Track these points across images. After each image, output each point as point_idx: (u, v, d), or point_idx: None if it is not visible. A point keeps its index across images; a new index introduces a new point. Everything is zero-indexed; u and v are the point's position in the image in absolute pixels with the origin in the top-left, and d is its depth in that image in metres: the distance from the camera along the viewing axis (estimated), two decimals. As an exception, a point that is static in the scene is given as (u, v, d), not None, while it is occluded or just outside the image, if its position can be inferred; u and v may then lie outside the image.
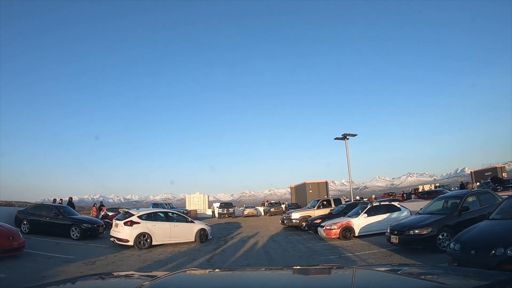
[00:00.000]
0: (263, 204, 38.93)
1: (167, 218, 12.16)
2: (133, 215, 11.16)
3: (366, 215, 13.31)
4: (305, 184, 38.18)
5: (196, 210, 42.05)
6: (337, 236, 12.74)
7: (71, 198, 20.80)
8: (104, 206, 23.46)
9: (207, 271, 3.37)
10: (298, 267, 4.35)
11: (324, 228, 13.11)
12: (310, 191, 37.93)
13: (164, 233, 11.46)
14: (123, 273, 3.56)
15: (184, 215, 13.78)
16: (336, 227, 12.80)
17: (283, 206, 36.15)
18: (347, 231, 12.88)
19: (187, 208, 36.75)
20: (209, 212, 39.30)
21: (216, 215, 34.06)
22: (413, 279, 1.77)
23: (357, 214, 13.65)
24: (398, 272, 2.00)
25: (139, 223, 10.90)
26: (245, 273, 2.43)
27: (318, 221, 15.39)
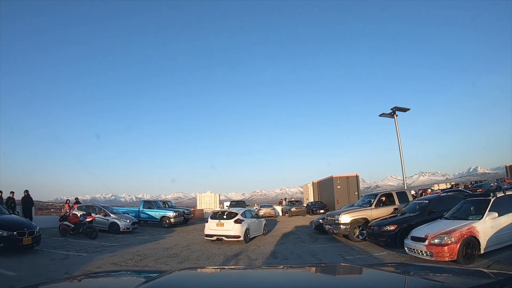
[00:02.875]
0: (280, 203, 32.77)
1: (251, 215, 12.84)
2: (237, 214, 11.66)
3: (496, 214, 7.19)
4: (332, 178, 31.81)
5: (202, 210, 36.27)
6: (454, 256, 6.62)
7: (26, 191, 15.20)
8: (79, 202, 17.84)
9: (208, 269, 3.12)
10: (301, 265, 4.04)
11: (428, 242, 6.93)
12: (338, 187, 31.58)
13: (254, 228, 12.40)
14: (124, 271, 4.21)
15: (256, 213, 15.04)
16: (453, 240, 6.65)
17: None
18: (469, 245, 6.77)
19: (198, 206, 30.62)
20: (217, 211, 33.30)
21: (226, 215, 28.24)
22: (414, 278, 1.73)
23: (473, 214, 7.53)
24: (398, 271, 1.96)
25: (243, 220, 11.58)
26: (248, 271, 2.31)
27: (392, 227, 9.27)
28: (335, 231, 11.73)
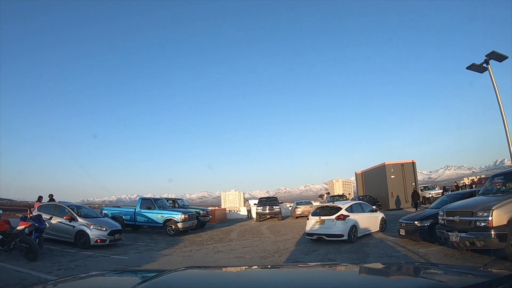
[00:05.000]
0: (321, 197, 26.83)
1: (362, 209, 11.05)
2: (341, 208, 10.07)
3: None
4: (385, 166, 25.58)
5: (225, 209, 30.97)
6: None
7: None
8: (53, 200, 12.93)
9: (208, 268, 2.90)
10: (300, 264, 4.20)
11: None
12: (392, 177, 25.33)
13: (364, 224, 10.49)
14: (123, 270, 4.22)
15: (370, 205, 12.65)
16: None
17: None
18: None
19: (223, 205, 25.08)
20: (242, 211, 27.39)
21: (253, 216, 22.66)
22: (413, 276, 1.74)
23: None
24: (397, 270, 1.93)
25: (348, 216, 9.89)
26: (247, 270, 2.33)
27: None
28: (478, 242, 5.87)
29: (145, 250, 9.27)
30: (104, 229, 9.27)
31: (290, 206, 24.33)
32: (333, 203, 21.79)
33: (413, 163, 26.15)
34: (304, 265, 3.27)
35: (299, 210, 20.33)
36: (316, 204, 24.46)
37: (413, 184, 25.27)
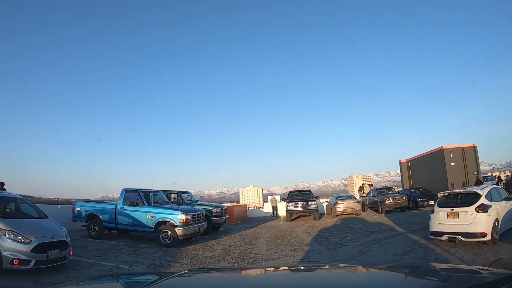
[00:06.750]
0: (361, 190, 22.02)
1: (500, 195, 7.98)
2: (480, 195, 7.22)
3: None
4: (443, 150, 20.75)
5: (245, 205, 26.79)
6: None
7: None
8: (4, 189, 9.19)
9: (215, 270, 2.99)
10: (304, 265, 4.03)
11: None
12: (452, 164, 20.51)
13: (505, 217, 7.49)
14: (127, 273, 4.18)
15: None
16: None
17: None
18: None
19: (241, 202, 20.78)
20: (266, 208, 22.58)
21: (279, 213, 18.30)
22: (414, 277, 1.68)
23: None
24: (399, 271, 1.89)
25: (490, 206, 7.09)
26: (252, 272, 2.22)
27: None
28: None
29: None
30: (26, 240, 5.05)
31: (327, 201, 19.72)
32: (380, 199, 17.25)
33: (474, 148, 21.32)
34: (318, 266, 3.18)
35: (341, 207, 15.58)
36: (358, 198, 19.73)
37: (475, 172, 20.51)
